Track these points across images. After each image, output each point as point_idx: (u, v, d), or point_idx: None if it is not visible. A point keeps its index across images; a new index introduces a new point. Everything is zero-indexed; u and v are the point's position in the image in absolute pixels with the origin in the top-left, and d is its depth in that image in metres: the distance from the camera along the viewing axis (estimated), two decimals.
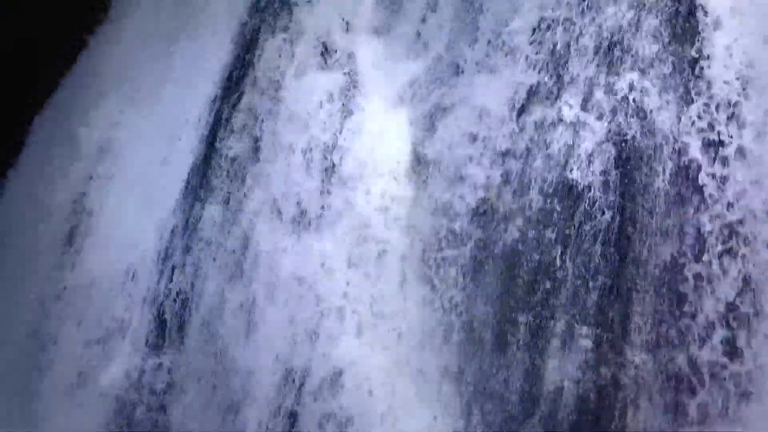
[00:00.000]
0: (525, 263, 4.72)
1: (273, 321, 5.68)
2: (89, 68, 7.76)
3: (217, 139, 6.32)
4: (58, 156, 7.35)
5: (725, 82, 4.30)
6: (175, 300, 6.26)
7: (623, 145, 4.41)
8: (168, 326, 6.23)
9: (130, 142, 6.92)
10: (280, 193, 5.83)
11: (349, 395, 5.19)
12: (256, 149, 6.08)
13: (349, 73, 5.94)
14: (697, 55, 4.50)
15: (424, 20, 5.99)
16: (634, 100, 4.45)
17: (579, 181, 4.55)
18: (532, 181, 4.79)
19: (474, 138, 5.15)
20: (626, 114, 4.43)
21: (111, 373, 6.30)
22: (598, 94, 4.54)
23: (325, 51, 6.19)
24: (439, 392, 4.95)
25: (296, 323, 5.56)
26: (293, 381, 5.55)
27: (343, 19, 6.33)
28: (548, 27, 5.01)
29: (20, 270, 7.35)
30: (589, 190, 4.47)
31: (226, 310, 5.95)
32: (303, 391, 5.47)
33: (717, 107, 4.26)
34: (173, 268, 6.34)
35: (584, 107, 4.54)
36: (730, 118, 4.28)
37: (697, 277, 4.13)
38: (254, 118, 6.20)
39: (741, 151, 4.21)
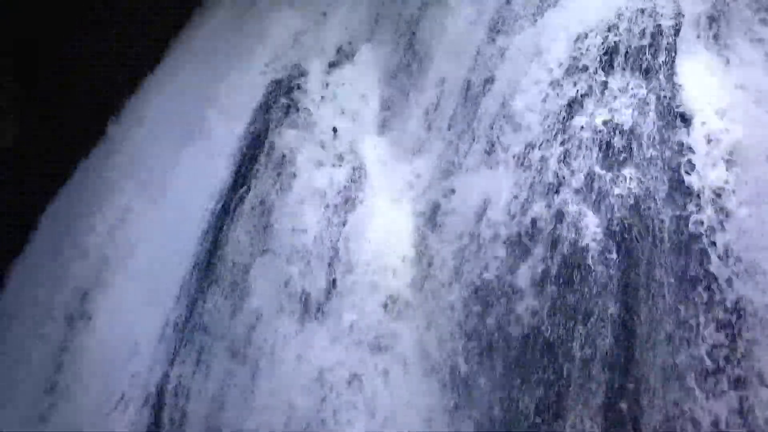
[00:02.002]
0: (532, 362, 4.75)
1: (275, 413, 5.63)
2: (101, 161, 7.98)
3: (223, 231, 6.42)
4: (66, 246, 7.45)
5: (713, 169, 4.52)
6: (175, 393, 6.22)
7: (624, 236, 4.53)
8: (167, 420, 6.16)
9: (137, 233, 7.02)
10: (284, 284, 5.88)
11: None
12: (262, 241, 6.18)
13: (354, 168, 6.13)
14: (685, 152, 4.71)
15: (425, 120, 6.23)
16: (631, 194, 4.62)
17: (582, 272, 4.64)
18: (533, 274, 4.88)
19: (476, 233, 5.27)
20: (624, 206, 4.58)
21: None
22: (597, 188, 4.70)
23: (332, 147, 6.40)
24: None
25: (299, 415, 5.51)
26: None
27: (348, 118, 6.59)
28: (544, 132, 5.21)
29: (19, 363, 7.32)
30: (593, 281, 4.56)
31: (228, 402, 5.91)
32: None
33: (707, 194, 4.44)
34: (174, 360, 6.33)
35: (584, 200, 4.69)
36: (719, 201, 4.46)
37: (705, 357, 4.17)
38: (260, 210, 6.33)
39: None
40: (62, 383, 6.72)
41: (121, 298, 6.77)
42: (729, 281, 4.32)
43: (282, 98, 6.77)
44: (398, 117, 6.44)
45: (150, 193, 6.98)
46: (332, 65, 6.97)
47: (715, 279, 4.30)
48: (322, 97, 6.72)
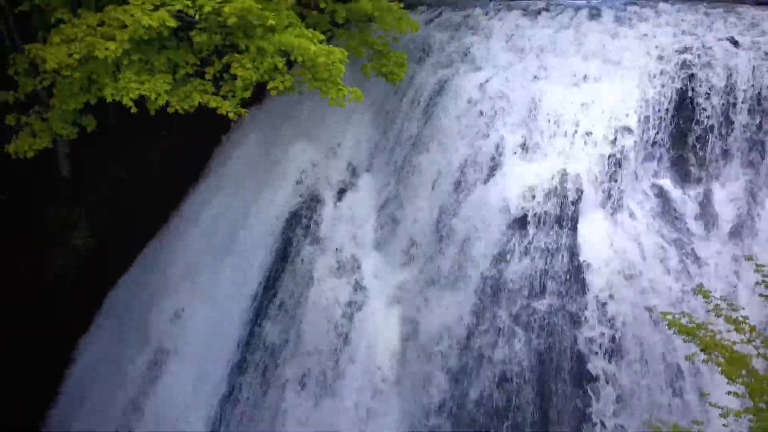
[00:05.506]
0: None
1: None
2: (156, 260, 9.88)
3: (257, 325, 8.44)
4: (126, 341, 9.40)
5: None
6: None
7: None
8: None
9: (190, 324, 8.96)
10: (305, 371, 7.90)
11: None
12: (286, 335, 8.19)
13: (356, 279, 8.17)
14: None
15: (409, 241, 8.24)
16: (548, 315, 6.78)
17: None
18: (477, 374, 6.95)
19: (445, 333, 7.32)
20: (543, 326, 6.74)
21: None
22: (525, 314, 6.83)
23: (341, 259, 8.41)
24: None
25: None
26: None
27: (353, 237, 8.62)
28: (489, 267, 7.24)
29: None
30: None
31: None
32: None
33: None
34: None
35: (515, 322, 6.81)
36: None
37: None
38: (286, 308, 8.35)
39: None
40: None
41: (176, 376, 8.71)
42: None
43: (303, 220, 8.76)
44: (390, 237, 8.46)
45: (201, 294, 8.97)
46: (341, 192, 8.93)
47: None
48: (333, 219, 8.73)
